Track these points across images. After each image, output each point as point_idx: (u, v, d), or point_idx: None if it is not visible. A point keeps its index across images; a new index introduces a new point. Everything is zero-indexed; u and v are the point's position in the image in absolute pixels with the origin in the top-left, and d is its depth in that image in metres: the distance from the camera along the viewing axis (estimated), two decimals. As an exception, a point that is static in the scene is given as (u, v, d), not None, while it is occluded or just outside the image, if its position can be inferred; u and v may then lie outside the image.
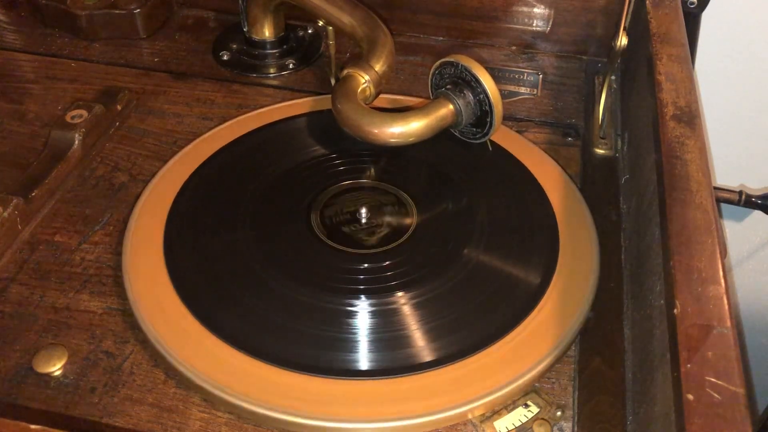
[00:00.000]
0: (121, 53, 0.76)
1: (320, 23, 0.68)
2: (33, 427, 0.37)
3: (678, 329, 0.36)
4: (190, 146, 0.62)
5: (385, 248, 0.53)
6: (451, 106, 0.59)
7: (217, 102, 0.69)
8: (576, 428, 0.44)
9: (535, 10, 0.75)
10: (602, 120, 0.66)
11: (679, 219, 0.42)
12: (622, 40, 0.62)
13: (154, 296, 0.49)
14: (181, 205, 0.56)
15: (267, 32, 0.75)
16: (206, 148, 0.62)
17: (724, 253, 0.41)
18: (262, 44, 0.75)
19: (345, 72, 0.61)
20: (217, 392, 0.44)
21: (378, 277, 0.51)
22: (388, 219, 0.56)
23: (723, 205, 0.87)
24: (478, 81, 0.57)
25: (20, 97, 0.69)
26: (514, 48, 0.78)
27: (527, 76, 0.74)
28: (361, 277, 0.51)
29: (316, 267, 0.52)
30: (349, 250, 0.53)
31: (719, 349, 0.35)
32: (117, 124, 0.66)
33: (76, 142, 0.61)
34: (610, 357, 0.48)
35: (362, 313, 0.49)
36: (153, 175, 0.60)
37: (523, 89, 0.72)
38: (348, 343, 0.47)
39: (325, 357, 0.46)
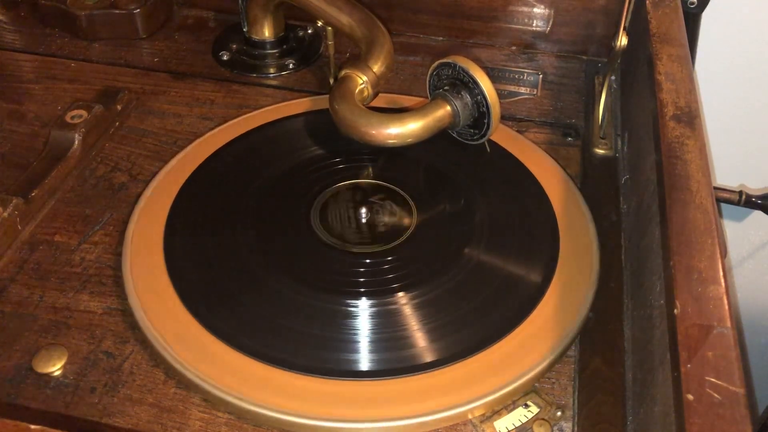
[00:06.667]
0: (120, 53, 0.76)
1: (320, 23, 0.68)
2: (33, 427, 0.37)
3: (678, 329, 0.36)
4: (190, 146, 0.62)
5: (384, 248, 0.53)
6: (448, 108, 0.58)
7: (217, 102, 0.69)
8: (576, 428, 0.44)
9: (535, 10, 0.75)
10: (602, 120, 0.66)
11: (679, 219, 0.42)
12: (622, 40, 0.62)
13: (154, 296, 0.49)
14: (181, 205, 0.56)
15: (267, 32, 0.75)
16: (206, 148, 0.62)
17: (724, 253, 0.41)
18: (261, 44, 0.75)
19: (343, 73, 0.61)
20: (217, 392, 0.44)
21: (378, 277, 0.51)
22: (387, 219, 0.56)
23: (723, 205, 0.87)
24: (475, 82, 0.57)
25: (20, 97, 0.69)
26: (514, 48, 0.78)
27: (527, 76, 0.74)
28: (361, 277, 0.51)
29: (316, 267, 0.52)
30: (349, 250, 0.53)
31: (719, 349, 0.35)
32: (117, 124, 0.66)
33: (76, 142, 0.61)
34: (610, 357, 0.48)
35: (362, 313, 0.49)
36: (153, 175, 0.60)
37: (523, 89, 0.72)
38: (348, 344, 0.47)
39: (325, 357, 0.46)
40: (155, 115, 0.67)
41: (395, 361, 0.46)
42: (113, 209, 0.58)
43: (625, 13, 0.62)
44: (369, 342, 0.47)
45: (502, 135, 0.63)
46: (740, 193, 0.77)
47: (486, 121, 0.58)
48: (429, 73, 0.61)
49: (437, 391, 0.45)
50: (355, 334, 0.48)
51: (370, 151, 0.62)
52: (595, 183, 0.61)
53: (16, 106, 0.68)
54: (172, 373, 0.46)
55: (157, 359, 0.47)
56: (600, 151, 0.64)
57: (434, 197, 0.59)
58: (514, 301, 0.50)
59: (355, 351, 0.47)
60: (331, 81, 0.70)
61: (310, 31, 0.79)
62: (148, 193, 0.58)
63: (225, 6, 0.82)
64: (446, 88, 0.59)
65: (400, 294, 0.50)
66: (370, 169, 0.61)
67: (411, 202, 0.57)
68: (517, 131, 0.66)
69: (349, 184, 0.59)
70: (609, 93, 0.67)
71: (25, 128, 0.66)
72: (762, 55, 0.80)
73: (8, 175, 0.60)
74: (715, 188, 0.77)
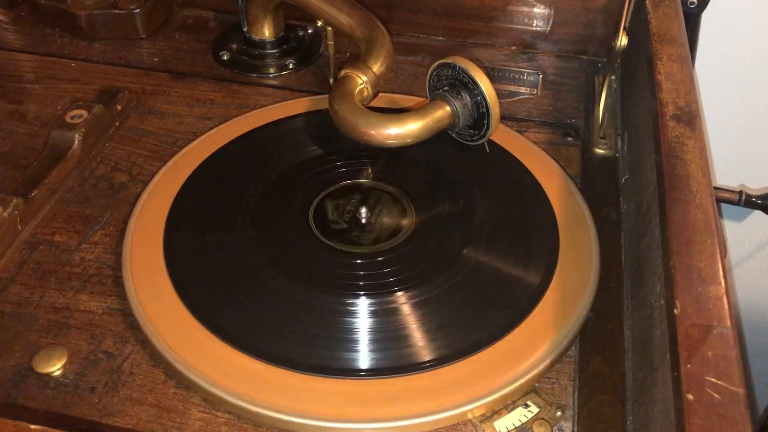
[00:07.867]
0: (120, 53, 0.76)
1: (320, 23, 0.68)
2: (33, 427, 0.37)
3: (678, 329, 0.36)
4: (190, 146, 0.62)
5: (384, 248, 0.53)
6: (447, 108, 0.58)
7: (217, 102, 0.69)
8: (576, 428, 0.44)
9: (535, 10, 0.75)
10: (602, 120, 0.66)
11: (679, 219, 0.42)
12: (622, 40, 0.62)
13: (154, 296, 0.49)
14: (181, 205, 0.56)
15: (267, 32, 0.75)
16: (206, 148, 0.62)
17: (724, 253, 0.41)
18: (261, 44, 0.75)
19: (343, 73, 0.61)
20: (217, 392, 0.44)
21: (377, 276, 0.51)
22: (387, 219, 0.56)
23: (723, 205, 0.87)
24: (475, 83, 0.57)
25: (20, 97, 0.69)
26: (514, 48, 0.78)
27: (527, 76, 0.74)
28: (361, 276, 0.51)
29: (316, 267, 0.52)
30: (349, 249, 0.53)
31: (719, 349, 0.35)
32: (117, 124, 0.66)
33: (76, 142, 0.61)
34: (610, 357, 0.48)
35: (362, 312, 0.49)
36: (153, 175, 0.60)
37: (523, 89, 0.72)
38: (348, 343, 0.47)
39: (325, 357, 0.46)
40: (155, 115, 0.68)
41: (395, 360, 0.46)
42: (113, 209, 0.58)
43: (625, 13, 0.62)
44: (369, 341, 0.47)
45: (502, 135, 0.63)
46: (740, 193, 0.77)
47: (486, 121, 0.58)
48: (428, 73, 0.61)
49: (437, 391, 0.44)
50: (355, 334, 0.48)
51: (370, 151, 0.62)
52: (595, 183, 0.61)
53: (16, 106, 0.68)
54: (172, 373, 0.46)
55: (157, 359, 0.47)
56: (600, 151, 0.64)
57: (434, 197, 0.59)
58: (513, 300, 0.50)
59: (355, 350, 0.47)
60: (331, 81, 0.70)
61: (310, 31, 0.79)
62: (147, 192, 0.58)
63: (225, 6, 0.82)
64: (446, 88, 0.59)
65: (400, 293, 0.50)
66: (370, 169, 0.61)
67: (410, 202, 0.57)
68: (517, 131, 0.66)
69: (349, 184, 0.59)
70: (609, 93, 0.67)
71: (25, 128, 0.66)
72: (762, 55, 0.80)
73: (8, 175, 0.60)
74: (715, 188, 0.77)
